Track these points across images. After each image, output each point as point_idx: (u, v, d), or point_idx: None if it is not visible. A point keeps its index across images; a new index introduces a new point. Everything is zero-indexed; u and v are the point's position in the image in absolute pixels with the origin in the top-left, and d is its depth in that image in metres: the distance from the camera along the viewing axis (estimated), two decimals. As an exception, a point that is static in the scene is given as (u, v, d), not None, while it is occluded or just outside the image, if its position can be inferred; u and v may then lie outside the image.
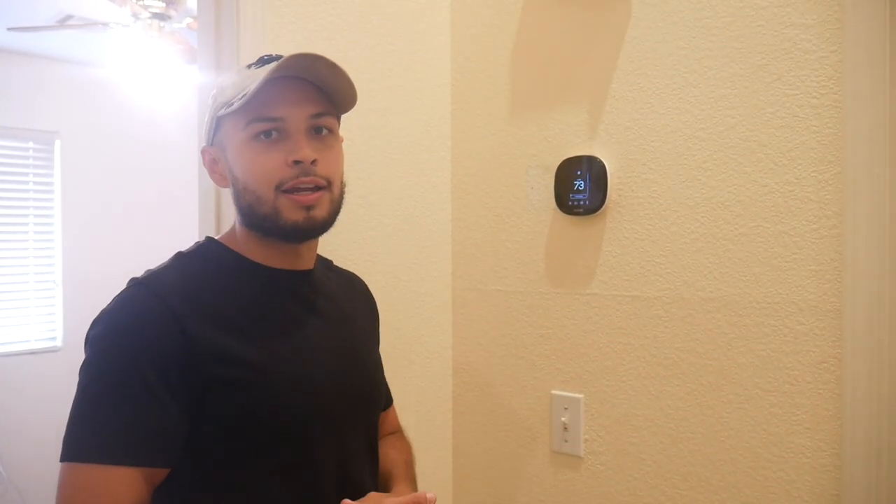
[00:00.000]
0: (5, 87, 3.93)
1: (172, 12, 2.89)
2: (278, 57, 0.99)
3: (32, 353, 4.04)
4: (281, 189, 0.94)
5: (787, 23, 1.18)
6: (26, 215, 4.09)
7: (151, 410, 0.86)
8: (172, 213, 3.88)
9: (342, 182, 1.02)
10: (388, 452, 1.16)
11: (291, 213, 0.95)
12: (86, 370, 0.89)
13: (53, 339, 4.12)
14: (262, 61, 0.99)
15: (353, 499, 0.94)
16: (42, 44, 3.76)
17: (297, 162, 0.94)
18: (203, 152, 1.04)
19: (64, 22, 3.13)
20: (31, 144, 4.09)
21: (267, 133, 0.95)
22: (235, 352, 0.91)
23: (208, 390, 0.89)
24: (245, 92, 0.93)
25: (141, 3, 2.83)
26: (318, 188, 0.96)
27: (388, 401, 1.25)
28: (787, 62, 1.19)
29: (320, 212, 0.97)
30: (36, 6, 3.20)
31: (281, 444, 0.94)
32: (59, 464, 0.85)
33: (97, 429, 0.86)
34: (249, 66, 1.00)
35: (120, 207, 4.29)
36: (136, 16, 2.89)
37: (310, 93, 0.97)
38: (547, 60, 1.52)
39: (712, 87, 1.27)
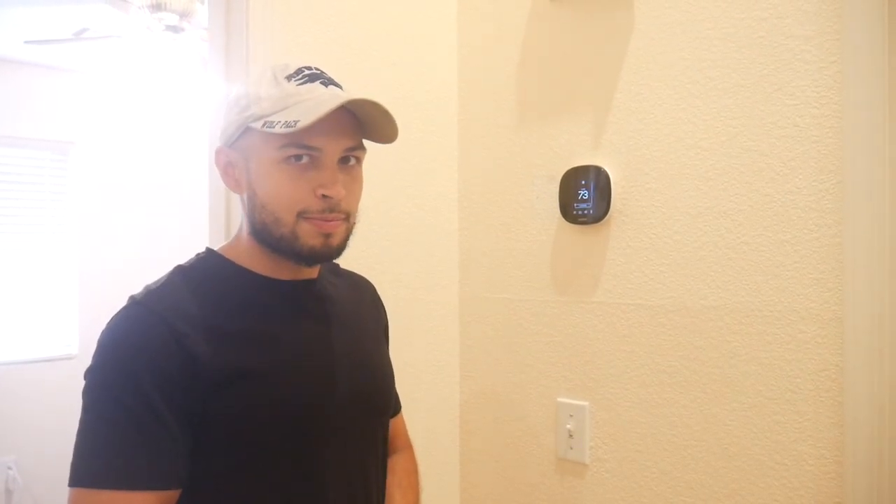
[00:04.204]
0: (21, 98, 4.00)
1: (186, 25, 2.94)
2: (319, 72, 0.97)
3: (48, 360, 4.08)
4: (303, 216, 0.94)
5: (788, 34, 1.20)
6: (42, 224, 4.14)
7: (160, 433, 0.86)
8: (188, 221, 3.92)
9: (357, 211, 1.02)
10: (393, 493, 1.13)
11: (310, 238, 0.94)
12: (90, 394, 0.88)
13: (69, 346, 4.17)
14: (304, 77, 0.96)
15: None
16: (57, 55, 3.82)
17: (326, 196, 0.93)
18: (218, 152, 1.00)
19: (79, 35, 3.18)
20: (46, 154, 4.15)
21: (297, 157, 0.93)
22: (237, 365, 0.91)
23: (211, 407, 0.88)
24: (289, 120, 0.90)
25: (155, 15, 2.88)
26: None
27: (396, 407, 1.23)
28: (788, 73, 1.20)
29: (336, 239, 0.97)
30: (51, 19, 3.26)
31: (282, 456, 0.93)
32: (69, 489, 0.84)
33: (111, 454, 0.85)
34: (289, 79, 0.95)
35: (135, 216, 4.34)
36: (150, 28, 2.94)
37: (348, 124, 0.96)
38: (551, 72, 1.54)
39: (714, 98, 1.29)
